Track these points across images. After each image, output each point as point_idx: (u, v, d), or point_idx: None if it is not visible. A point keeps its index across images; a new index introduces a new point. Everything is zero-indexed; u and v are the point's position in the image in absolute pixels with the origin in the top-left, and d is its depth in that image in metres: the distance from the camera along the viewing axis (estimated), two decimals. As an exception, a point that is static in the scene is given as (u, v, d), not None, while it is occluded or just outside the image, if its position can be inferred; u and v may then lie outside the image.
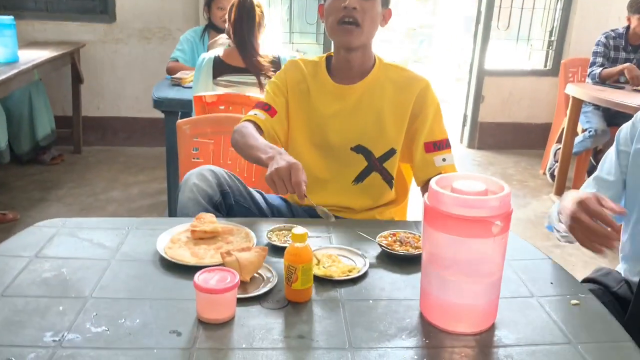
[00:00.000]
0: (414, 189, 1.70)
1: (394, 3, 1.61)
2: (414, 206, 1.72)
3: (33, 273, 1.11)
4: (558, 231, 1.37)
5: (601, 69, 3.76)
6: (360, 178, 1.58)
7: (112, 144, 4.49)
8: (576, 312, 1.04)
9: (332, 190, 1.59)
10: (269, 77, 2.46)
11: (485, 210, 0.91)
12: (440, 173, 1.53)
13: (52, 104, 4.10)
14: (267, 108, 1.60)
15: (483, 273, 0.96)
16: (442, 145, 1.56)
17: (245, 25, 2.43)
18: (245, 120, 1.58)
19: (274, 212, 1.62)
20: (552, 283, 1.14)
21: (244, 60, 2.45)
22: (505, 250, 0.96)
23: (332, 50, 1.63)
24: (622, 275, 1.38)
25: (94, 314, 0.98)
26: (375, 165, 1.58)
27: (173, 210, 2.94)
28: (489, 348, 0.93)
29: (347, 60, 1.57)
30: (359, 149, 1.57)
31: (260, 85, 2.46)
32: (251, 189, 1.61)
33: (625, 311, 1.20)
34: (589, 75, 3.85)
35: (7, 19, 3.14)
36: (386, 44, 13.34)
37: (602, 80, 3.75)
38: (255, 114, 1.59)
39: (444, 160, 1.54)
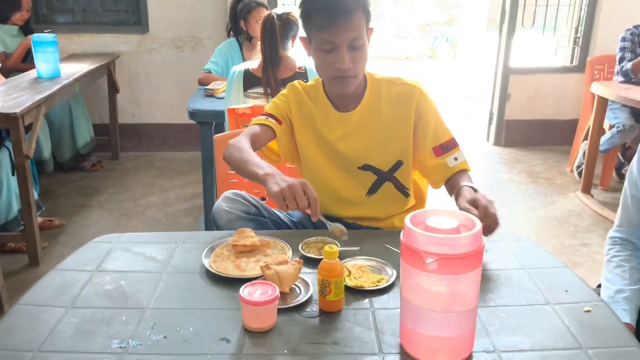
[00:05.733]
0: (431, 193, 1.79)
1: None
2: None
3: (96, 286, 1.25)
4: None
5: (631, 63, 3.74)
6: (373, 190, 1.65)
7: (148, 150, 4.69)
8: (588, 318, 1.13)
9: (349, 203, 1.66)
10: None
11: (449, 247, 0.93)
12: (455, 173, 1.58)
13: (90, 113, 4.32)
14: (273, 117, 1.63)
15: (450, 307, 0.98)
16: (449, 145, 1.59)
17: (268, 42, 2.48)
18: (255, 124, 1.60)
19: (297, 225, 1.70)
20: (566, 291, 1.23)
21: (262, 73, 2.51)
22: (477, 284, 0.99)
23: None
24: None
25: (152, 323, 1.11)
26: (386, 176, 1.63)
27: (209, 216, 3.08)
28: (506, 353, 1.03)
29: (340, 93, 1.59)
30: (366, 167, 1.63)
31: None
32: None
33: None
34: (619, 73, 3.82)
35: (50, 36, 3.27)
36: (400, 40, 13.51)
37: (635, 73, 3.72)
38: (267, 118, 1.62)
39: (455, 159, 1.58)
